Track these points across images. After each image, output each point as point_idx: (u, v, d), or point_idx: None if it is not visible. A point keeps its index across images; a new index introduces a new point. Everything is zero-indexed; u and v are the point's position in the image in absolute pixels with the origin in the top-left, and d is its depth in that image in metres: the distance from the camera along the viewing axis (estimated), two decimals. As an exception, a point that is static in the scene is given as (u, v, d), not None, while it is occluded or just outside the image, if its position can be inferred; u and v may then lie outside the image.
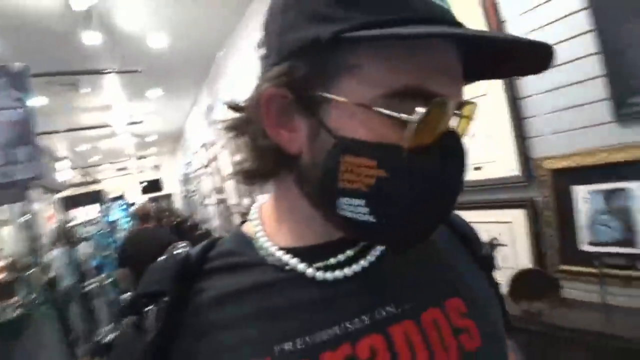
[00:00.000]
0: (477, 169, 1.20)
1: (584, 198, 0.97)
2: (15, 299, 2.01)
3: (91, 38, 2.46)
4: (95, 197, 4.11)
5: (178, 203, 9.88)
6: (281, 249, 0.34)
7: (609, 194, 0.92)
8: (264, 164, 0.34)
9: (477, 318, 0.34)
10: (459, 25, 0.29)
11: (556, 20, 0.94)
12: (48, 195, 2.90)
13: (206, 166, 5.00)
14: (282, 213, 0.37)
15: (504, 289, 0.96)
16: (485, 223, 1.19)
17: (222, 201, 4.44)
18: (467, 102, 0.32)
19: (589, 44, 0.88)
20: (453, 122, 0.31)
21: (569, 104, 0.96)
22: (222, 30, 2.99)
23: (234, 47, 3.08)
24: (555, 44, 0.29)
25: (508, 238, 1.14)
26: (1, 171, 1.73)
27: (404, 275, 0.35)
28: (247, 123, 0.35)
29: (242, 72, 2.94)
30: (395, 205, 0.29)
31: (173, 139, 7.83)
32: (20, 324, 1.94)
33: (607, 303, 0.81)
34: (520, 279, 0.98)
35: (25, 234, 2.33)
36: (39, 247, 2.03)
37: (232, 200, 3.88)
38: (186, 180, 7.61)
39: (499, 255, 1.13)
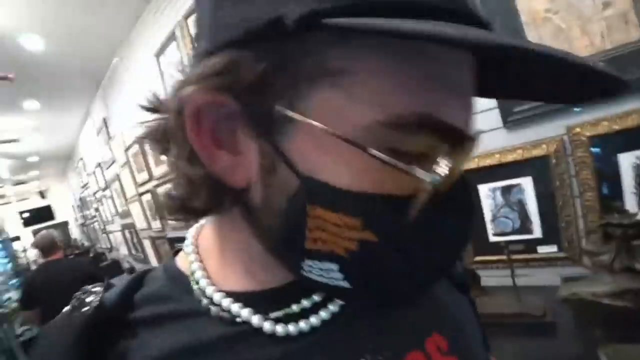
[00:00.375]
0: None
1: (487, 195, 1.09)
2: None
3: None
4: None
5: (74, 232, 8.56)
6: (228, 294, 0.26)
7: (505, 190, 1.05)
8: (194, 199, 0.24)
9: (459, 352, 0.30)
10: (485, 23, 0.20)
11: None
12: None
13: (105, 188, 4.42)
14: (228, 251, 0.28)
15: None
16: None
17: (128, 226, 3.96)
18: (477, 133, 0.24)
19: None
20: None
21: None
22: (115, 35, 2.68)
23: (130, 55, 2.79)
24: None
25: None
26: None
27: (379, 317, 0.29)
28: (167, 137, 0.25)
29: (140, 83, 2.68)
30: (384, 273, 0.22)
31: (62, 159, 6.75)
32: None
33: (516, 285, 0.91)
34: (443, 275, 1.06)
35: None
36: None
37: (140, 224, 3.49)
38: (83, 205, 6.64)
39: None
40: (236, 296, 0.27)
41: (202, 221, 0.32)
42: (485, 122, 1.03)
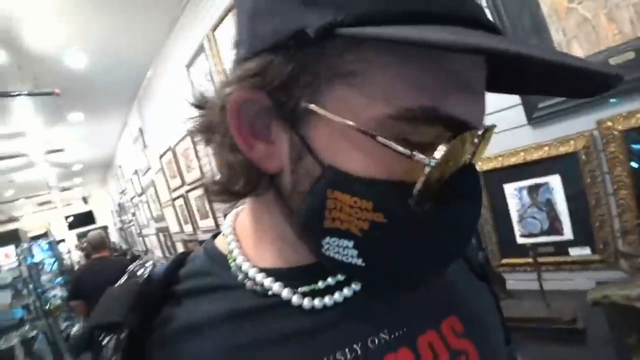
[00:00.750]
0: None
1: (512, 194, 1.04)
2: None
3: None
4: (10, 238, 3.56)
5: (113, 236, 9.04)
6: (261, 270, 0.30)
7: (532, 189, 1.01)
8: (234, 182, 0.28)
9: (475, 337, 0.32)
10: (493, 27, 0.22)
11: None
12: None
13: (141, 194, 4.65)
14: (262, 231, 0.31)
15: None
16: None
17: (162, 230, 4.13)
18: (489, 127, 0.26)
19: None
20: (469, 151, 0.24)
21: (492, 109, 1.04)
22: (148, 49, 2.83)
23: (162, 67, 2.94)
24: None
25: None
26: None
27: (398, 297, 0.31)
28: (211, 129, 0.29)
29: (172, 93, 2.81)
30: (393, 253, 0.25)
31: (102, 167, 7.18)
32: None
33: (544, 289, 0.87)
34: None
35: None
36: None
37: (174, 227, 3.63)
38: (121, 210, 7.01)
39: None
40: (268, 272, 0.30)
41: (238, 209, 0.35)
42: (508, 120, 1.00)
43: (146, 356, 0.27)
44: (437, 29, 0.19)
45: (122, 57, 2.85)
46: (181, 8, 2.33)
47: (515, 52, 0.17)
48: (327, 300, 0.29)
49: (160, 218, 4.01)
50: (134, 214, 5.69)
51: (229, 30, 1.90)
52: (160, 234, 4.27)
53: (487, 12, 0.96)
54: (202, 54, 2.21)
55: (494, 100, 1.01)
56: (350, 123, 0.22)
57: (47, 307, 3.36)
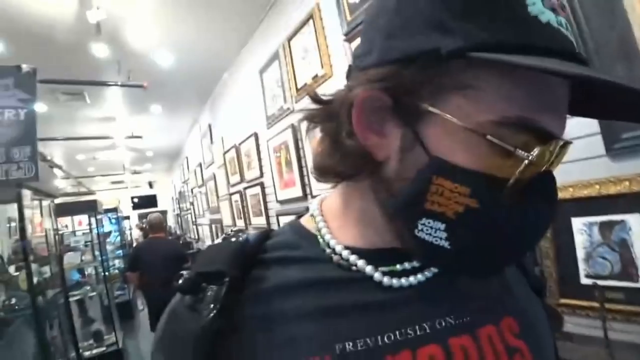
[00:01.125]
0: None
1: (580, 230, 0.97)
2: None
3: (100, 50, 2.50)
4: (90, 207, 4.02)
5: (170, 221, 9.74)
6: (346, 248, 0.34)
7: (605, 226, 0.93)
8: (344, 164, 0.33)
9: (530, 340, 0.34)
10: (584, 60, 0.28)
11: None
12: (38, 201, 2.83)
13: (201, 185, 4.98)
14: (351, 213, 0.36)
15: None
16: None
17: (215, 222, 4.38)
18: (568, 141, 0.30)
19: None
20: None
21: (565, 136, 0.98)
22: (227, 53, 3.07)
23: (237, 71, 3.16)
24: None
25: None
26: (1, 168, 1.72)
27: (465, 289, 0.34)
28: (330, 118, 0.33)
29: (243, 95, 3.01)
30: (478, 238, 0.28)
31: (170, 156, 7.83)
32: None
33: (609, 338, 0.79)
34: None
35: (13, 238, 2.28)
36: (28, 251, 1.96)
37: (227, 221, 3.83)
38: (180, 198, 7.55)
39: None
40: (353, 250, 0.34)
41: (323, 195, 0.41)
42: (584, 149, 0.93)
43: (239, 311, 0.31)
44: (539, 59, 0.24)
45: (204, 59, 3.13)
46: (261, 16, 2.50)
47: (586, 75, 0.23)
48: (404, 281, 0.33)
49: (215, 210, 4.25)
50: (191, 203, 6.09)
51: (302, 41, 2.01)
52: (213, 225, 4.52)
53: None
54: (276, 61, 2.34)
55: (572, 127, 0.95)
56: (464, 125, 0.27)
57: (106, 274, 3.73)
